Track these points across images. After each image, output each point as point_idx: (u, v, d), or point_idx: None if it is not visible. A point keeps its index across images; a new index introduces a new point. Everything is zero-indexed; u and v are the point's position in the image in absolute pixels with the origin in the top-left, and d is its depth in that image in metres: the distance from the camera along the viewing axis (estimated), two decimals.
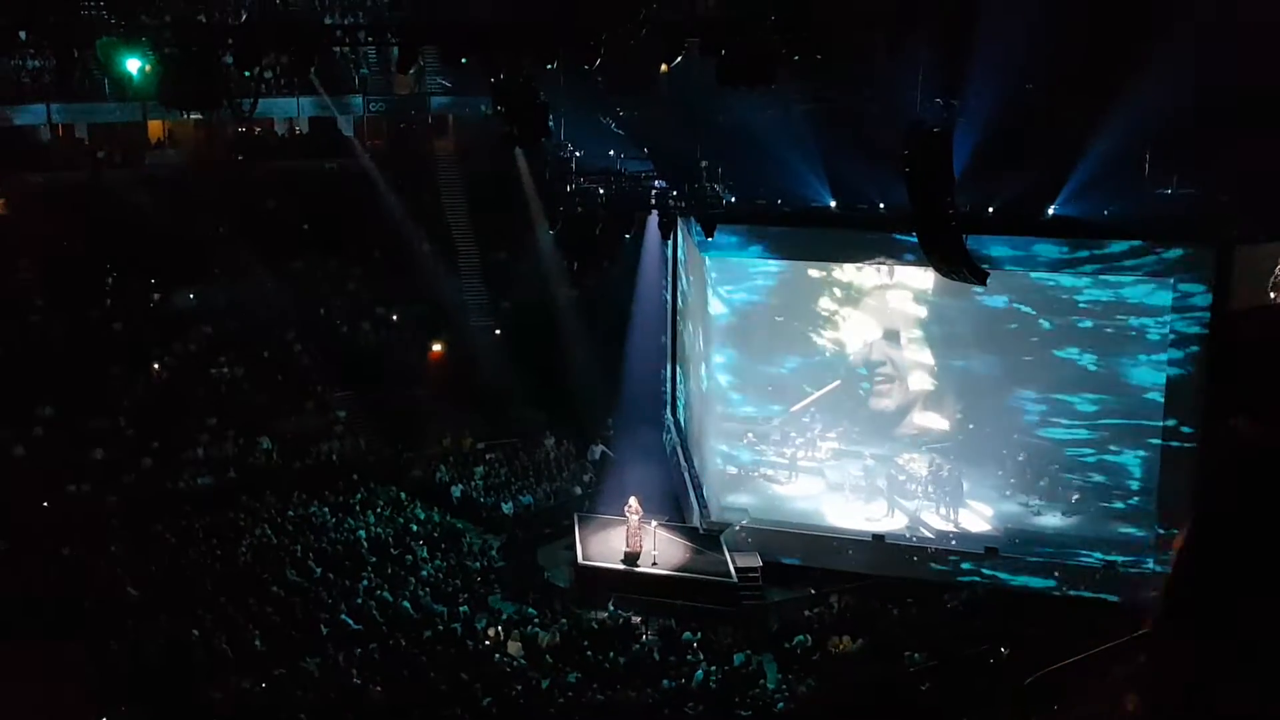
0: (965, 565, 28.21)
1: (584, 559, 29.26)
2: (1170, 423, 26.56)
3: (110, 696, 22.94)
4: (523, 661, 24.71)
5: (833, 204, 28.33)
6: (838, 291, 30.24)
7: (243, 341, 37.30)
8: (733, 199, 30.01)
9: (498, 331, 40.14)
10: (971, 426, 29.33)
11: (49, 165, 39.47)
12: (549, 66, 20.93)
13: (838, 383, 30.58)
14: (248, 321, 37.61)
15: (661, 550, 28.89)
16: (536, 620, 26.52)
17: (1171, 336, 26.41)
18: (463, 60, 22.22)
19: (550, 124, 22.23)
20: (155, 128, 42.39)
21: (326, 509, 31.61)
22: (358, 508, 31.92)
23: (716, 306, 31.44)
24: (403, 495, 33.38)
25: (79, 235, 36.76)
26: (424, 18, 26.65)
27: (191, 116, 37.61)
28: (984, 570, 28.00)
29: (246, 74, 21.01)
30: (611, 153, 34.98)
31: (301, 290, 39.30)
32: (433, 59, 34.65)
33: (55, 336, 35.07)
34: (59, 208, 37.13)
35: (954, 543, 28.71)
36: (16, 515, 29.52)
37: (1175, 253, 26.07)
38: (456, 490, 33.96)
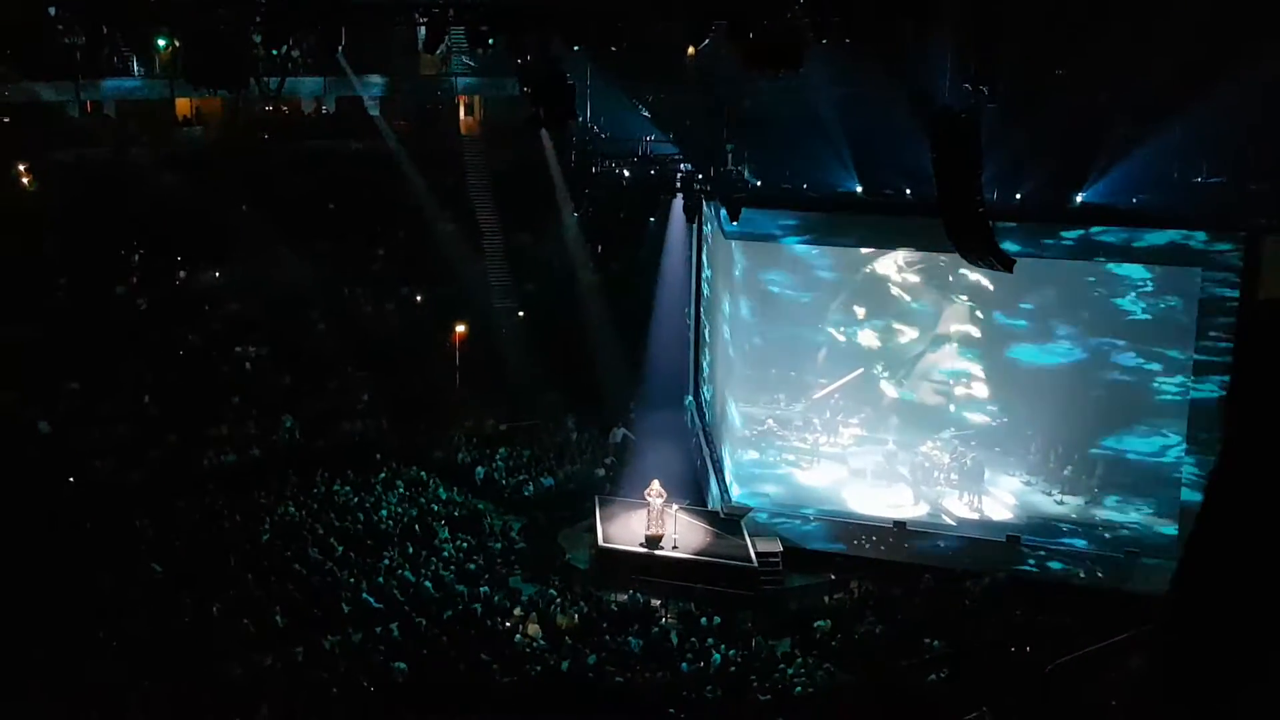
0: (986, 553, 28.13)
1: (604, 541, 29.28)
2: (1195, 414, 26.41)
3: (133, 672, 23.07)
4: (542, 643, 24.76)
5: (859, 189, 28.24)
6: (861, 276, 30.15)
7: (267, 321, 37.41)
8: (758, 183, 29.94)
9: (521, 314, 40.18)
10: (994, 414, 29.24)
11: (76, 142, 39.64)
12: (575, 49, 20.89)
13: (860, 370, 30.53)
14: (272, 301, 37.73)
15: (682, 534, 28.88)
16: (556, 602, 26.56)
17: (1198, 326, 26.24)
18: (489, 41, 22.19)
19: (576, 106, 22.19)
20: (182, 105, 42.52)
21: (349, 488, 31.70)
22: (380, 488, 32.01)
23: (740, 290, 31.39)
24: (424, 475, 33.45)
25: (105, 213, 36.90)
26: None
27: (218, 94, 37.65)
28: (1005, 557, 27.93)
29: (274, 53, 21.03)
30: (637, 135, 34.95)
31: (326, 270, 39.38)
32: (459, 39, 34.62)
33: (80, 314, 35.22)
34: (85, 185, 37.31)
35: (976, 531, 28.65)
36: (42, 491, 29.72)
37: (1203, 241, 25.89)
38: (479, 471, 34.02)
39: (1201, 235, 25.80)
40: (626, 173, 33.71)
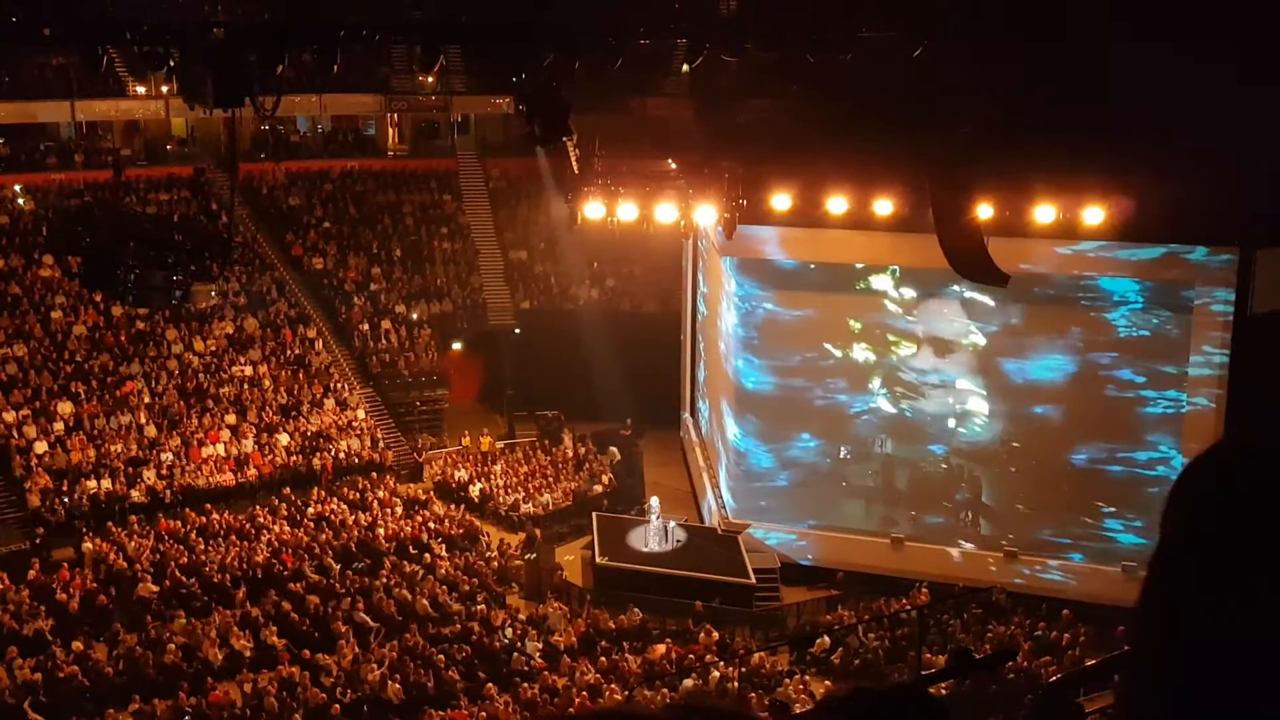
0: (984, 567, 28.13)
1: (602, 558, 29.26)
2: (1190, 427, 26.42)
3: (129, 692, 23.04)
4: (540, 660, 24.74)
5: (853, 204, 28.24)
6: (856, 292, 30.18)
7: (263, 339, 37.41)
8: (753, 199, 29.93)
9: (517, 330, 40.21)
10: (989, 428, 29.25)
11: (72, 161, 39.73)
12: (575, 65, 20.95)
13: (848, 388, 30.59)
14: (268, 319, 37.74)
15: (679, 551, 28.87)
16: (554, 619, 26.53)
17: (1192, 339, 26.27)
18: (485, 59, 22.23)
19: (571, 123, 22.23)
20: (178, 125, 42.60)
21: (345, 506, 31.68)
22: (377, 505, 31.99)
23: (735, 306, 31.43)
24: (422, 493, 33.45)
25: (101, 231, 36.90)
26: (448, 17, 26.72)
27: (214, 114, 37.68)
28: (1003, 572, 27.92)
29: (269, 72, 21.03)
30: (633, 152, 34.95)
31: (322, 287, 39.43)
32: (456, 58, 34.74)
33: (77, 332, 35.21)
34: (82, 203, 37.37)
35: (973, 545, 28.64)
36: (38, 511, 29.72)
37: (1198, 257, 25.93)
38: (476, 488, 34.01)
39: (1197, 249, 25.82)
40: (621, 189, 33.71)
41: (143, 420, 33.48)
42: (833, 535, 29.58)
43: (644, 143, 35.04)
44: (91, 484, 31.01)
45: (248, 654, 24.78)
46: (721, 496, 31.70)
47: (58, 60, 38.03)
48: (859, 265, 29.84)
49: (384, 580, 27.78)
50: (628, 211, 28.73)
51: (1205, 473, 1.37)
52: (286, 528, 30.18)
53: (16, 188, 38.48)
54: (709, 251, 33.37)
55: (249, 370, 36.30)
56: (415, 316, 40.06)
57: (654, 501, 29.39)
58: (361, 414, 36.35)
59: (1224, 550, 1.29)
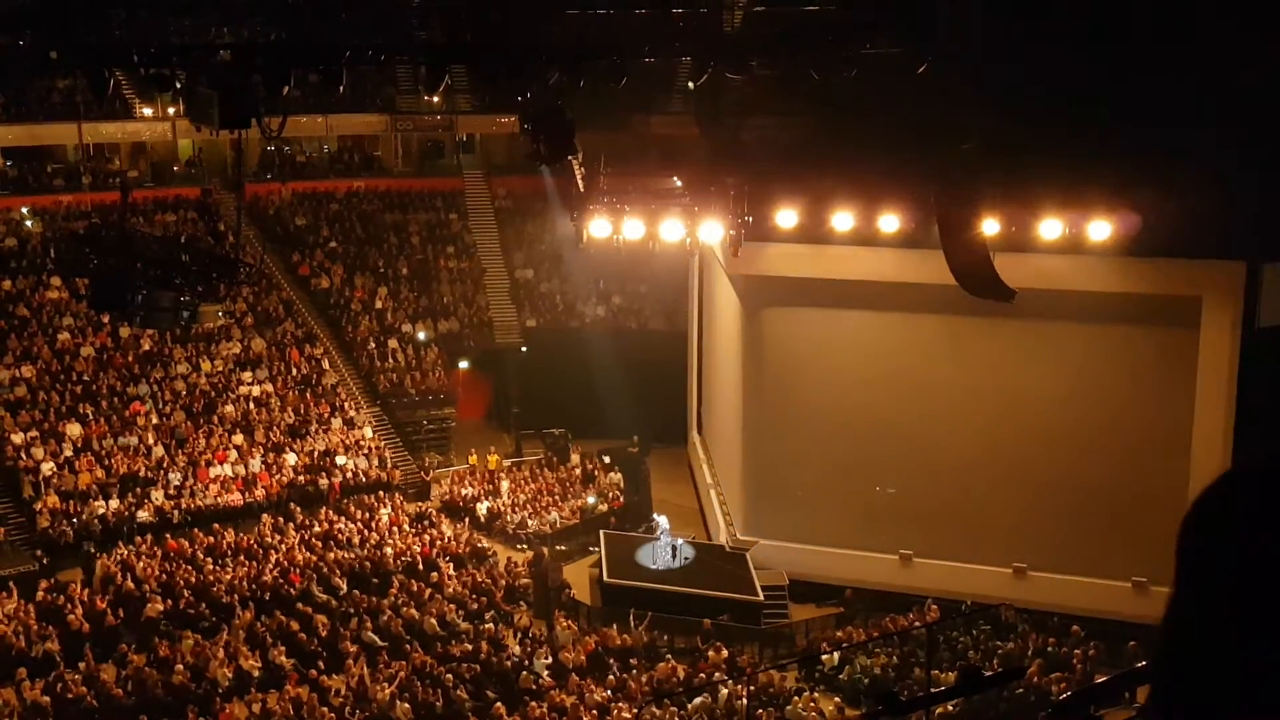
0: (993, 583, 28.02)
1: (610, 576, 29.20)
2: (1197, 442, 26.34)
3: (137, 713, 23.02)
4: (549, 678, 24.69)
5: (859, 221, 28.24)
6: (862, 309, 30.13)
7: (270, 359, 37.49)
8: (759, 216, 29.95)
9: (524, 349, 40.24)
10: (998, 445, 29.17)
11: (80, 183, 39.85)
12: (580, 83, 21.01)
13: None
14: (275, 339, 37.80)
15: (687, 568, 28.82)
16: (563, 637, 26.49)
17: (1200, 354, 26.18)
18: (490, 79, 22.29)
19: (576, 141, 22.28)
20: (185, 146, 42.73)
21: (353, 525, 31.67)
22: (384, 524, 31.97)
23: (742, 325, 31.41)
24: (429, 511, 33.44)
25: (108, 253, 36.97)
26: (453, 37, 26.82)
27: (220, 135, 37.81)
28: (1012, 588, 27.83)
29: (275, 93, 21.11)
30: (638, 170, 35.04)
31: (329, 307, 39.49)
32: (461, 77, 34.85)
33: (85, 354, 35.27)
34: (89, 225, 37.45)
35: (982, 561, 28.53)
36: (46, 532, 29.74)
37: (1204, 269, 25.86)
38: (483, 506, 33.99)
39: (1203, 263, 25.75)
40: (626, 207, 33.81)
41: (150, 441, 33.52)
42: (841, 552, 29.47)
43: (649, 160, 35.17)
44: (99, 505, 31.05)
45: (256, 674, 24.75)
46: (730, 513, 31.63)
47: (64, 83, 38.16)
48: (866, 281, 29.78)
49: (392, 599, 27.76)
50: (633, 229, 28.73)
51: (1223, 496, 1.37)
52: (294, 547, 30.18)
53: (24, 210, 38.62)
54: (715, 268, 33.35)
55: (256, 390, 36.35)
56: (422, 335, 40.11)
57: (662, 519, 29.34)
58: (369, 433, 36.37)
59: (1246, 570, 1.30)
